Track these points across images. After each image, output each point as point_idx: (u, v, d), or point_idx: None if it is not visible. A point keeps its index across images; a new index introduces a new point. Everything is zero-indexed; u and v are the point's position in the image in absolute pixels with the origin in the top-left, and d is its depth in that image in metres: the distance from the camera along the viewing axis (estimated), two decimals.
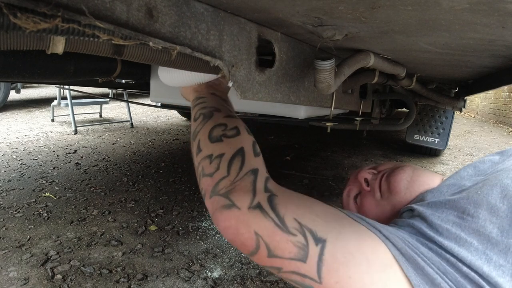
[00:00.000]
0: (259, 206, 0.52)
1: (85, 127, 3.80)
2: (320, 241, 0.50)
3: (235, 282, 1.30)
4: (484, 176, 0.70)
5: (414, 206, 0.67)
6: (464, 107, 1.92)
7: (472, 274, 0.50)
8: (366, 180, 0.86)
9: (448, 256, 0.53)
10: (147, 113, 5.04)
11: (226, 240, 1.57)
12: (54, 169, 2.43)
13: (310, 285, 0.51)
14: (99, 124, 4.04)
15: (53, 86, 5.42)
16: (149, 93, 1.48)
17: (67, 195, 1.99)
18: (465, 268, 0.51)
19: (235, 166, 0.57)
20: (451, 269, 0.52)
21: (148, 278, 1.29)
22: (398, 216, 0.73)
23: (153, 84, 1.44)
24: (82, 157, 2.74)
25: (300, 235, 0.50)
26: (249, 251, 0.52)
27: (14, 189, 2.03)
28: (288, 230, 0.51)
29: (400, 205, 0.76)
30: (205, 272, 1.35)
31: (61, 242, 1.50)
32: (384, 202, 0.79)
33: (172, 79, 0.73)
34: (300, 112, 1.24)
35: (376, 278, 0.50)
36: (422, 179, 0.77)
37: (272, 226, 0.51)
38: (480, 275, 0.50)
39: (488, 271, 0.50)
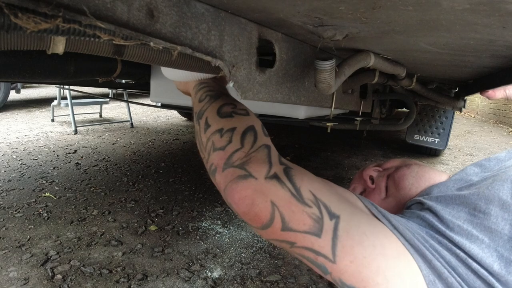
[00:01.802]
0: (276, 176, 0.51)
1: (85, 127, 3.80)
2: (334, 216, 0.49)
3: (235, 282, 1.30)
4: (490, 172, 0.70)
5: (423, 199, 0.67)
6: (464, 107, 1.92)
7: (482, 271, 0.50)
8: (371, 178, 0.86)
9: (458, 251, 0.53)
10: (147, 113, 5.04)
11: (226, 240, 1.58)
12: (54, 169, 2.43)
13: (323, 264, 0.49)
14: (99, 124, 4.04)
15: (53, 86, 5.42)
16: (149, 93, 1.48)
17: (67, 195, 1.99)
18: (475, 265, 0.51)
19: (248, 139, 0.55)
20: (461, 264, 0.52)
21: (148, 278, 1.29)
22: (406, 208, 0.73)
23: (153, 84, 1.44)
24: (82, 157, 2.74)
25: (315, 207, 0.49)
26: (262, 223, 0.49)
27: (14, 189, 2.03)
28: (304, 201, 0.49)
29: (405, 201, 0.76)
30: (205, 272, 1.35)
31: (61, 242, 1.50)
32: (390, 199, 0.80)
33: (176, 73, 0.73)
34: (300, 112, 1.24)
35: (391, 264, 0.49)
36: (428, 175, 0.78)
37: (288, 195, 0.49)
38: (491, 273, 0.50)
39: (499, 268, 0.50)
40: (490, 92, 1.16)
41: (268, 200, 0.49)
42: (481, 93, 1.22)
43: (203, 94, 0.67)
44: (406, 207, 0.74)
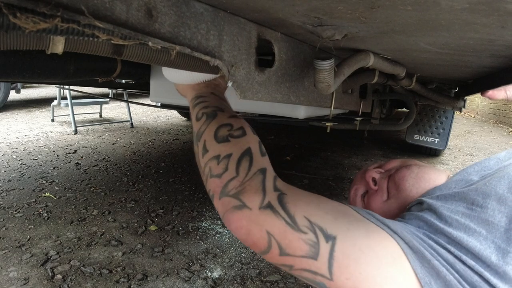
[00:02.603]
0: (269, 206, 0.53)
1: (85, 127, 3.81)
2: (330, 238, 0.51)
3: (235, 282, 1.30)
4: (490, 171, 0.71)
5: (423, 198, 0.68)
6: (464, 107, 1.92)
7: (477, 267, 0.51)
8: (373, 180, 0.86)
9: (453, 249, 0.54)
10: (147, 113, 5.04)
11: (226, 240, 1.58)
12: (54, 169, 2.43)
13: (322, 281, 0.51)
14: (99, 124, 4.04)
15: (53, 86, 5.42)
16: (149, 93, 1.48)
17: (67, 195, 2.00)
18: (470, 261, 0.52)
19: (243, 166, 0.57)
20: (458, 261, 0.53)
21: (148, 278, 1.29)
22: (406, 210, 0.73)
23: (153, 84, 1.44)
24: (82, 157, 2.74)
25: (311, 233, 0.51)
26: (261, 250, 0.52)
27: (14, 189, 2.04)
28: (299, 228, 0.51)
29: (406, 202, 0.77)
30: (205, 272, 1.35)
31: (61, 242, 1.50)
32: (391, 201, 0.80)
33: (176, 75, 0.73)
34: (300, 112, 1.24)
35: (385, 271, 0.50)
36: (429, 176, 0.78)
37: (283, 225, 0.51)
38: (488, 266, 0.51)
39: (496, 259, 0.51)
40: (491, 92, 1.16)
41: (263, 230, 0.51)
42: (482, 94, 1.22)
43: (199, 111, 0.68)
44: (407, 209, 0.74)
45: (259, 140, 0.64)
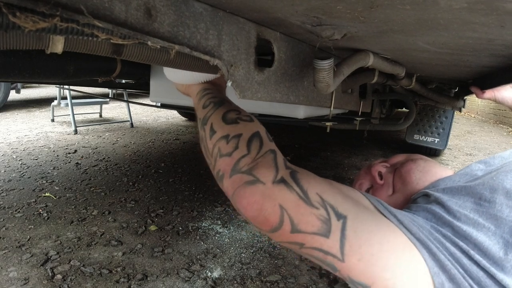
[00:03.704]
0: (283, 180, 0.52)
1: (85, 127, 3.81)
2: (341, 216, 0.50)
3: (235, 282, 1.30)
4: (495, 167, 0.71)
5: (430, 191, 0.69)
6: (464, 107, 1.92)
7: (484, 262, 0.52)
8: (380, 174, 0.86)
9: (461, 243, 0.54)
10: (147, 113, 5.04)
11: (226, 240, 1.58)
12: (54, 169, 2.43)
13: (332, 262, 0.50)
14: (99, 124, 4.04)
15: (53, 86, 5.43)
16: (149, 93, 1.48)
17: (67, 195, 2.00)
18: (477, 256, 0.52)
19: (254, 145, 0.56)
20: (464, 256, 0.53)
21: (148, 278, 1.29)
22: (412, 202, 0.74)
23: (153, 84, 1.44)
24: (82, 157, 2.74)
25: (323, 209, 0.50)
26: (272, 226, 0.50)
27: (14, 189, 2.04)
28: (312, 203, 0.50)
29: (412, 194, 0.77)
30: (205, 272, 1.35)
31: (61, 242, 1.50)
32: (397, 195, 0.81)
33: (178, 75, 0.73)
34: (300, 111, 1.24)
35: (398, 258, 0.50)
36: (435, 170, 0.79)
37: (296, 198, 0.50)
38: (495, 261, 0.52)
39: (504, 254, 0.52)
40: (479, 90, 1.17)
41: (276, 204, 0.50)
42: (470, 89, 1.23)
43: (207, 100, 0.68)
44: (412, 200, 0.74)
45: (265, 129, 0.63)
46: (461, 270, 0.52)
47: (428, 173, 0.78)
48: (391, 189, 0.83)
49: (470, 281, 0.51)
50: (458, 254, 0.53)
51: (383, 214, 0.56)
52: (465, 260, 0.52)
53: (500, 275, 0.50)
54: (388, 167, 0.87)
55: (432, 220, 0.61)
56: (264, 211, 0.50)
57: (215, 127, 0.61)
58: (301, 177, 0.53)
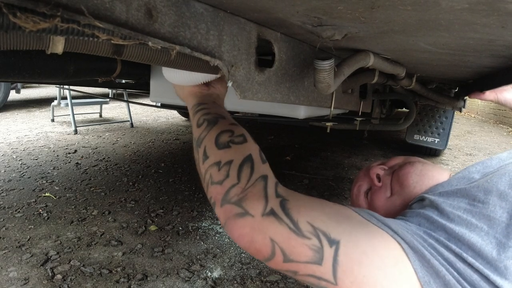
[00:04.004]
0: (272, 213, 0.52)
1: (85, 127, 3.81)
2: (334, 242, 0.51)
3: (235, 282, 1.30)
4: (492, 169, 0.72)
5: (425, 195, 0.69)
6: (464, 107, 1.92)
7: (477, 264, 0.52)
8: (378, 176, 0.86)
9: (454, 246, 0.54)
10: (147, 113, 5.04)
11: (226, 240, 1.58)
12: (54, 169, 2.43)
13: (326, 286, 0.51)
14: (99, 124, 4.04)
15: (53, 86, 5.42)
16: (149, 93, 1.48)
17: (67, 195, 2.00)
18: (470, 259, 0.52)
19: (245, 173, 0.56)
20: (458, 260, 0.53)
21: (148, 278, 1.29)
22: (408, 207, 0.74)
23: (153, 84, 1.44)
24: (82, 157, 2.74)
25: (315, 238, 0.51)
26: (264, 257, 0.52)
27: (14, 189, 2.04)
28: (303, 234, 0.51)
29: (410, 199, 0.77)
30: (205, 272, 1.35)
31: (61, 242, 1.50)
32: (395, 197, 0.81)
33: (177, 76, 0.73)
34: (300, 112, 1.24)
35: (388, 273, 0.51)
36: (432, 173, 0.79)
37: (287, 231, 0.51)
38: (488, 262, 0.52)
39: (497, 254, 0.52)
40: (478, 93, 1.17)
41: (267, 237, 0.51)
42: (470, 96, 1.23)
43: (201, 118, 0.68)
44: (408, 206, 0.75)
45: (259, 148, 0.63)
46: (456, 274, 0.52)
47: (426, 176, 0.78)
48: (389, 191, 0.83)
49: (465, 284, 0.51)
50: (452, 258, 0.53)
51: (377, 226, 0.56)
52: (459, 264, 0.52)
53: (493, 277, 0.50)
54: (386, 169, 0.87)
55: (425, 224, 0.61)
56: (255, 243, 0.51)
57: (208, 151, 0.61)
58: (291, 206, 0.53)
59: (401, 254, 0.52)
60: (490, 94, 1.16)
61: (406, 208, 0.77)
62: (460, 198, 0.63)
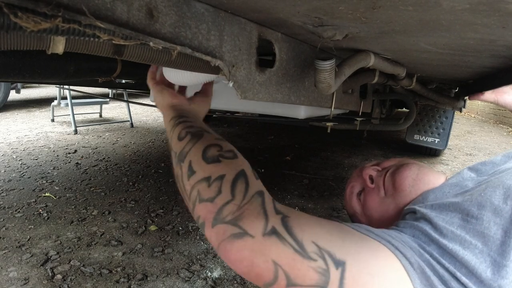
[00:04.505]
0: (274, 232, 0.47)
1: (85, 127, 3.80)
2: (340, 264, 0.47)
3: (235, 282, 1.30)
4: (486, 176, 0.70)
5: (417, 208, 0.67)
6: (464, 107, 1.92)
7: (470, 285, 0.51)
8: (370, 177, 0.86)
9: (448, 264, 0.53)
10: (147, 113, 5.04)
11: None
12: (54, 169, 2.43)
13: None
14: (99, 124, 4.04)
15: (53, 86, 5.42)
16: (149, 93, 1.48)
17: (67, 195, 1.99)
18: (464, 278, 0.51)
19: (239, 188, 0.51)
20: (452, 278, 0.52)
21: (148, 278, 1.29)
22: (401, 218, 0.73)
23: None
24: (82, 157, 2.74)
25: (320, 260, 0.47)
26: (265, 282, 0.47)
27: (14, 189, 2.03)
28: (308, 255, 0.46)
29: (404, 203, 0.76)
30: (205, 272, 1.35)
31: (61, 242, 1.50)
32: (389, 200, 0.79)
33: (177, 76, 0.73)
34: (300, 112, 1.24)
35: None
36: (428, 178, 0.77)
37: (291, 252, 0.46)
38: (482, 281, 0.51)
39: (492, 274, 0.50)
40: (478, 94, 1.16)
41: (269, 260, 0.45)
42: (470, 98, 1.22)
43: (183, 131, 0.62)
44: (401, 216, 0.74)
45: (249, 164, 0.58)
46: None
47: (422, 181, 0.77)
48: (382, 192, 0.81)
49: None
50: (447, 276, 0.52)
51: (377, 241, 0.54)
52: (454, 283, 0.51)
53: None
54: (379, 170, 0.87)
55: (420, 237, 0.60)
56: (256, 267, 0.46)
57: (195, 166, 0.55)
58: (293, 224, 0.48)
59: (402, 272, 0.51)
60: (490, 96, 1.15)
61: (400, 212, 0.76)
62: (453, 213, 0.61)
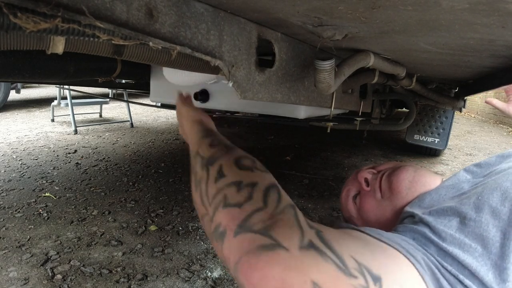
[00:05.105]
0: (312, 245, 0.40)
1: (85, 127, 3.80)
2: (377, 279, 0.42)
3: (235, 282, 1.30)
4: (482, 178, 0.70)
5: (415, 212, 0.67)
6: (464, 107, 1.92)
7: (474, 287, 0.51)
8: (366, 180, 0.85)
9: (450, 267, 0.53)
10: (147, 113, 5.04)
11: None
12: (54, 169, 2.43)
13: None
14: (99, 124, 4.04)
15: (53, 86, 5.42)
16: (149, 93, 1.48)
17: (67, 195, 1.99)
18: (467, 281, 0.51)
19: (272, 198, 0.46)
20: (457, 282, 0.52)
21: (148, 278, 1.29)
22: (399, 222, 0.73)
23: (153, 84, 1.44)
24: (82, 157, 2.74)
25: (361, 276, 0.41)
26: None
27: (14, 189, 2.03)
28: (350, 272, 0.40)
29: (401, 206, 0.76)
30: (205, 272, 1.35)
31: (61, 242, 1.50)
32: (385, 203, 0.79)
33: (177, 76, 0.73)
34: (300, 112, 1.24)
35: None
36: (424, 180, 0.77)
37: (334, 269, 0.39)
38: (484, 284, 0.51)
39: (493, 277, 0.51)
40: (496, 101, 1.16)
41: (307, 280, 0.37)
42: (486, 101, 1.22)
43: (215, 140, 0.60)
44: (399, 220, 0.74)
45: None
46: None
47: (418, 183, 0.76)
48: (378, 194, 0.81)
49: None
50: (452, 280, 0.52)
51: (397, 250, 0.52)
52: (459, 287, 0.51)
53: None
54: (375, 173, 0.87)
55: (420, 239, 0.60)
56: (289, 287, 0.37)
57: (226, 170, 0.50)
58: (330, 237, 0.43)
59: (421, 280, 0.50)
60: (501, 104, 1.15)
61: (396, 215, 0.76)
62: (451, 216, 0.61)
